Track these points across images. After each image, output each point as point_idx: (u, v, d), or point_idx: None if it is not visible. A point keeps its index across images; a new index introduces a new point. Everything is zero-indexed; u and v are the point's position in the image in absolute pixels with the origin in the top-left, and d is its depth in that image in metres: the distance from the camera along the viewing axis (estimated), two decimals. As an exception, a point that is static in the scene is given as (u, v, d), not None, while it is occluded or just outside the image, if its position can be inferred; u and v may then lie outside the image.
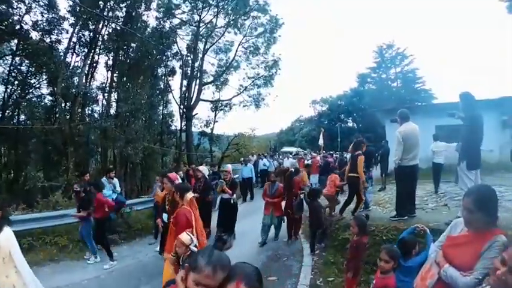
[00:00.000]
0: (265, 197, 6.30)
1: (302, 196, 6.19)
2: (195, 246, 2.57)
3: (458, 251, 1.66)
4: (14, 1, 11.24)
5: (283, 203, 6.30)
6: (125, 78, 14.82)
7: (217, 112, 20.89)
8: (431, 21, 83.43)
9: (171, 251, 2.81)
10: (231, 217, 6.37)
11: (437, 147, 6.80)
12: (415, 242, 2.36)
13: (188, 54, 19.06)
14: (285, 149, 28.59)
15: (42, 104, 13.25)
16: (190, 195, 3.34)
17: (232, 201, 6.34)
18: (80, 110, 13.32)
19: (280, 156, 16.82)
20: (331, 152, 15.45)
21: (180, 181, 4.15)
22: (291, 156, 15.14)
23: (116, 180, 7.04)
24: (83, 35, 13.54)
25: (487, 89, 65.63)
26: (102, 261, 5.29)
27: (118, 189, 7.06)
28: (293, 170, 7.43)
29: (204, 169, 6.85)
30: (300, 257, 5.29)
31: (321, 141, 13.66)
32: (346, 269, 3.45)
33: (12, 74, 12.43)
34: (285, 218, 6.30)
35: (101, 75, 22.98)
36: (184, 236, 2.54)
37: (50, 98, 13.30)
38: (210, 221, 6.50)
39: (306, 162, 10.71)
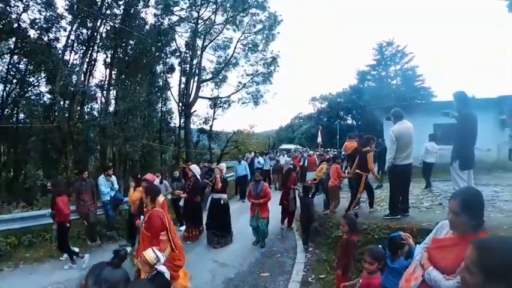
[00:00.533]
0: (250, 198, 5.98)
1: (297, 193, 6.38)
2: (163, 262, 2.35)
3: (443, 254, 1.64)
4: (11, -1, 11.19)
5: (269, 203, 5.97)
6: (123, 76, 14.73)
7: (216, 109, 20.94)
8: (431, 19, 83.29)
9: None
10: (223, 218, 5.99)
11: (432, 147, 6.82)
12: (403, 243, 2.39)
13: (187, 51, 19.01)
14: (284, 146, 28.62)
15: (41, 102, 13.13)
16: (161, 198, 3.23)
17: (222, 202, 5.98)
18: (78, 108, 13.30)
19: (278, 154, 16.89)
20: (328, 150, 15.48)
21: (157, 182, 4.02)
22: (286, 154, 15.31)
23: (113, 178, 7.08)
24: (81, 33, 13.44)
25: (487, 87, 65.49)
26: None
27: (116, 186, 7.11)
28: (291, 167, 7.66)
29: (195, 168, 6.60)
30: (294, 253, 5.36)
31: (319, 139, 13.68)
32: (336, 266, 3.50)
33: (11, 72, 12.34)
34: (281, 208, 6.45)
35: (100, 73, 23.10)
36: (150, 254, 2.26)
37: (49, 96, 13.19)
38: (201, 221, 6.46)
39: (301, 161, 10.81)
